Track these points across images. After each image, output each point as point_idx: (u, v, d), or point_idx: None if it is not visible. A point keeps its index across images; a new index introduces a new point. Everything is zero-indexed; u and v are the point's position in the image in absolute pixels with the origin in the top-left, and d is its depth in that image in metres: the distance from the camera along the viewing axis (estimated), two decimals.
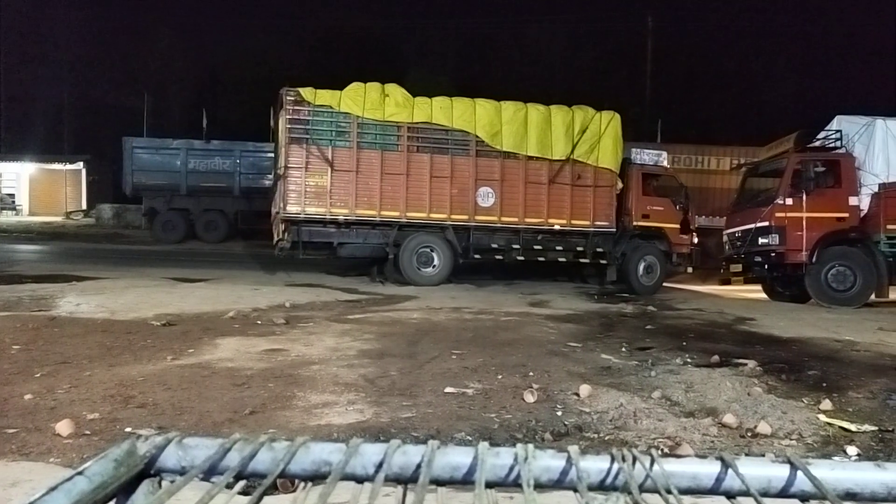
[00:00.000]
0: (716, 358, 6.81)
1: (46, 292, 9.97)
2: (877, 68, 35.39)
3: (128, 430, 4.10)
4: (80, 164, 33.30)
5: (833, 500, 0.62)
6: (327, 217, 13.16)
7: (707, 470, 0.67)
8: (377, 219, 13.31)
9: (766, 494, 0.65)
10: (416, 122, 13.45)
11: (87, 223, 29.13)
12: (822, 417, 4.85)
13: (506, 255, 14.03)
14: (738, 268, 13.38)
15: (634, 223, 14.47)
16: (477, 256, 13.89)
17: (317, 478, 0.67)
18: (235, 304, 9.54)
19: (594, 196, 14.09)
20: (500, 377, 5.80)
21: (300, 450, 0.67)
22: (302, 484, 0.68)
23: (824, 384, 5.91)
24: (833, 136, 12.77)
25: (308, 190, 13.04)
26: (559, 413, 4.84)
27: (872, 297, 12.09)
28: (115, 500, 0.64)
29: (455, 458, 0.67)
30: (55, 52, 37.28)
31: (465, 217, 13.67)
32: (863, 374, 6.31)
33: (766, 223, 12.37)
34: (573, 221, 14.03)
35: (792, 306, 11.90)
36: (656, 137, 23.45)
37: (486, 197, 13.75)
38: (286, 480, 0.91)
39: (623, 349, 7.41)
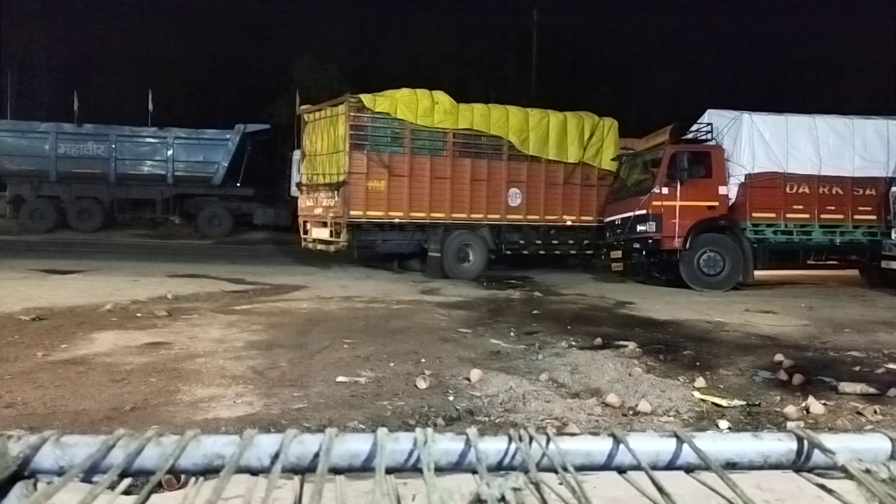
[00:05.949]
0: (598, 341, 7.10)
1: None
2: (744, 64, 37.73)
3: None
4: None
5: (716, 469, 0.65)
6: (385, 220, 13.75)
7: (600, 447, 0.69)
8: (427, 220, 14.04)
9: (655, 467, 0.68)
10: (461, 129, 14.21)
11: None
12: (697, 394, 5.15)
13: (529, 249, 15.11)
14: (617, 254, 13.95)
15: None
16: (508, 252, 14.90)
17: (209, 472, 0.65)
18: (112, 297, 9.08)
19: (597, 194, 15.41)
20: (392, 365, 5.81)
21: (190, 444, 0.64)
22: (193, 479, 0.65)
23: (698, 363, 6.27)
24: (705, 129, 13.46)
25: (368, 195, 13.49)
26: (451, 398, 4.91)
27: (740, 279, 12.90)
28: None
29: (354, 445, 0.66)
30: None
31: (497, 216, 14.70)
32: (732, 353, 6.74)
33: (644, 211, 12.91)
34: (581, 217, 15.39)
35: (667, 290, 12.53)
36: None
37: (515, 197, 14.81)
38: (171, 477, 0.88)
39: (511, 334, 7.59)
